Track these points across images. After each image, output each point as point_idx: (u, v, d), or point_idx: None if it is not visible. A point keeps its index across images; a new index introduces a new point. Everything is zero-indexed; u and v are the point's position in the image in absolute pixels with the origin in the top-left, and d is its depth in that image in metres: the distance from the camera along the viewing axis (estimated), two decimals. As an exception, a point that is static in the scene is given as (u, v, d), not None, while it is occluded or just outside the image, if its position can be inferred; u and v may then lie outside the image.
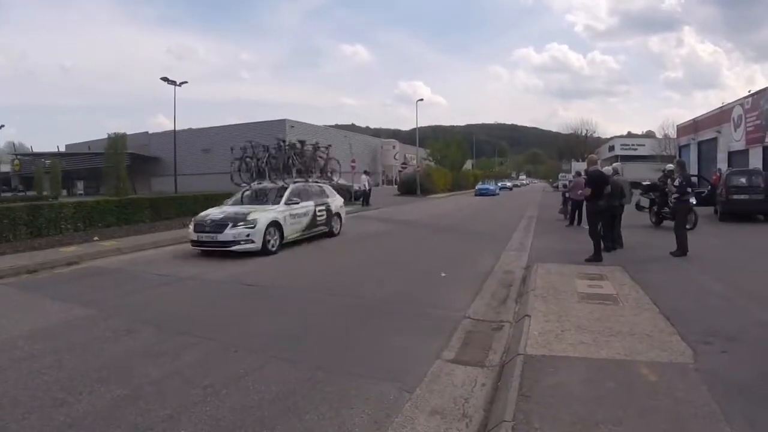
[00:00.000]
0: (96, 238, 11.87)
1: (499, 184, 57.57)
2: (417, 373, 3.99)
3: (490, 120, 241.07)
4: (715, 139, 32.38)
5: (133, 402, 3.49)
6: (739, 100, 29.44)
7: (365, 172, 28.09)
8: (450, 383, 3.84)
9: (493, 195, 42.37)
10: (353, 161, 33.35)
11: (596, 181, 8.83)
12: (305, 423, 3.21)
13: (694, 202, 11.23)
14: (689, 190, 9.43)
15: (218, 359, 4.33)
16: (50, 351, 4.53)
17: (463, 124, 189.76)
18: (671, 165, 13.69)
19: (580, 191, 11.44)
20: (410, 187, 40.66)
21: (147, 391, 3.67)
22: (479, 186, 45.23)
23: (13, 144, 60.98)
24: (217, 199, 18.82)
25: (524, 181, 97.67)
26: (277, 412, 3.35)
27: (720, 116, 32.02)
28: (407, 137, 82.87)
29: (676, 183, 9.50)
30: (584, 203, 10.49)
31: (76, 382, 3.83)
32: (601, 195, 8.79)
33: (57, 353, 4.48)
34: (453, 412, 3.36)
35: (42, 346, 4.66)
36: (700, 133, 35.91)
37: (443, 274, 8.04)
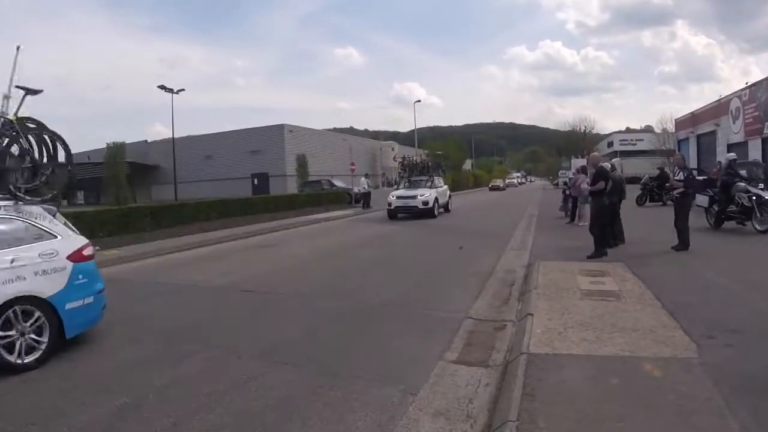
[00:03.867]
0: (97, 247, 11.78)
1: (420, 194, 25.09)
2: (420, 374, 3.97)
3: (488, 119, 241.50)
4: (714, 132, 32.31)
5: (135, 411, 3.47)
6: (736, 92, 29.36)
7: (366, 175, 28.11)
8: (453, 384, 3.82)
9: None
10: (353, 164, 33.34)
11: (603, 177, 8.82)
12: (309, 428, 3.19)
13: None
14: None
15: (221, 366, 4.31)
16: (53, 361, 4.52)
17: (460, 124, 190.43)
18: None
19: (584, 185, 11.44)
20: (410, 188, 40.23)
21: (150, 399, 3.66)
22: None
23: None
24: (221, 207, 18.89)
25: (515, 180, 76.01)
26: (280, 417, 3.33)
27: (718, 109, 31.95)
28: (405, 139, 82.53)
29: (680, 177, 9.38)
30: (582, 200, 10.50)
31: (78, 392, 3.82)
32: (605, 191, 8.78)
33: (59, 364, 4.47)
34: (457, 413, 3.34)
35: (44, 358, 4.65)
36: (699, 126, 35.84)
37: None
